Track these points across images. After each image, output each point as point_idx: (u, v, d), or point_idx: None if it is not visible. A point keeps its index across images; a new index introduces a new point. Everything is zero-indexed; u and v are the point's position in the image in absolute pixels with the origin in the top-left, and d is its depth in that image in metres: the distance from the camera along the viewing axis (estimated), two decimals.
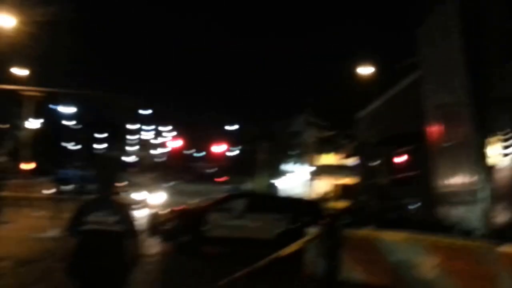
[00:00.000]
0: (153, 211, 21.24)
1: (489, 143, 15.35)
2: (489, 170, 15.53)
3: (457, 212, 17.66)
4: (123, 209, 6.17)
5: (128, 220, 6.05)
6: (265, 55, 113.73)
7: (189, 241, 15.51)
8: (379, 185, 27.27)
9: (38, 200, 32.61)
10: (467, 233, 16.47)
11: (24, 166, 47.30)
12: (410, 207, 22.45)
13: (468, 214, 16.86)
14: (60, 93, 36.89)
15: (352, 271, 12.69)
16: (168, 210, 18.25)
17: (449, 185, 18.17)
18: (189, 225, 15.96)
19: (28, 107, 45.95)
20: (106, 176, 6.42)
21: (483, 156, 15.69)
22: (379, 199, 20.09)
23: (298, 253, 12.63)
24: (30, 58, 41.36)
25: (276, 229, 15.78)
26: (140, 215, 21.39)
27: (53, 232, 16.23)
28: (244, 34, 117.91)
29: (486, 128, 15.73)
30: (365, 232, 13.58)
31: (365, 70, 33.04)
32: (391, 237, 13.01)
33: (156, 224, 16.99)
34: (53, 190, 41.87)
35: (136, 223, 6.19)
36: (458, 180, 17.47)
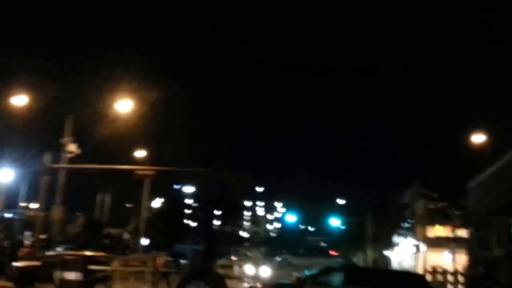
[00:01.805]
0: (249, 284, 20.01)
1: None
2: None
3: None
4: (219, 280, 6.36)
5: None
6: (376, 129, 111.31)
7: None
8: (493, 258, 24.59)
9: (153, 274, 32.31)
10: None
11: (143, 241, 48.07)
12: None
13: None
14: (171, 171, 37.10)
15: None
16: (263, 284, 17.00)
17: None
18: None
19: (147, 187, 47.15)
20: (210, 250, 6.36)
21: None
22: (492, 273, 17.74)
23: None
24: (147, 140, 42.70)
25: None
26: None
27: None
28: (349, 108, 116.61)
29: None
30: None
31: (477, 138, 30.77)
32: None
33: None
34: (165, 264, 41.86)
35: None
36: None
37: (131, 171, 33.77)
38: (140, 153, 43.05)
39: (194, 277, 6.03)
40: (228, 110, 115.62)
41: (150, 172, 33.62)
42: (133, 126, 37.23)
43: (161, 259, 39.61)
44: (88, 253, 25.81)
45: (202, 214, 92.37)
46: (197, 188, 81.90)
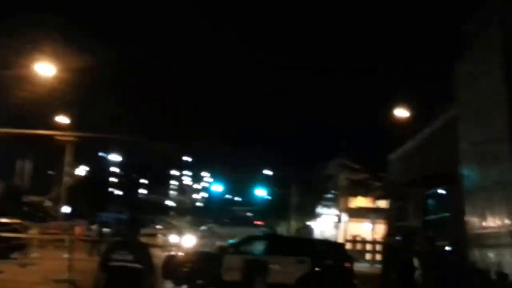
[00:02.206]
0: (171, 253, 19.68)
1: None
2: None
3: (493, 255, 15.86)
4: (143, 249, 6.87)
5: (146, 259, 6.71)
6: (302, 99, 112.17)
7: (205, 285, 13.87)
8: (410, 227, 25.32)
9: (70, 242, 31.48)
10: (503, 277, 14.66)
11: (64, 209, 46.67)
12: (444, 250, 20.60)
13: (504, 258, 15.07)
14: (93, 138, 36.05)
15: None
16: (185, 252, 16.73)
17: (485, 227, 16.38)
18: (205, 268, 14.35)
19: (70, 153, 45.59)
20: (135, 218, 7.36)
21: None
22: (409, 242, 18.19)
23: None
24: (71, 106, 41.22)
25: (297, 272, 14.03)
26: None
27: (72, 275, 14.91)
28: (279, 83, 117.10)
29: None
30: None
31: (400, 113, 31.38)
32: None
33: (172, 266, 15.44)
34: (87, 232, 40.95)
35: (154, 262, 6.87)
36: (494, 221, 15.69)
37: (51, 136, 32.55)
38: (63, 119, 41.53)
39: (118, 246, 6.10)
40: (156, 77, 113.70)
41: (72, 138, 32.45)
42: (57, 91, 35.83)
43: (80, 227, 38.82)
44: (2, 220, 24.81)
45: (128, 182, 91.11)
46: (124, 157, 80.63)
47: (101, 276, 6.68)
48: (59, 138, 31.76)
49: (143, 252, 6.81)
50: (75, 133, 33.87)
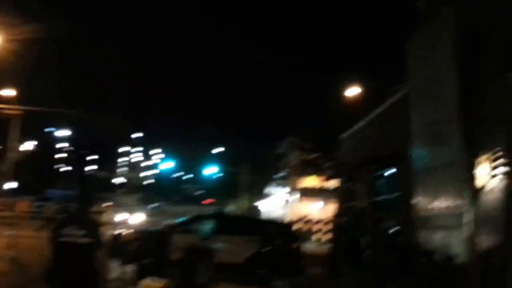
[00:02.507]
0: (117, 231, 19.16)
1: (477, 164, 13.62)
2: (476, 192, 13.81)
3: (439, 237, 15.99)
4: (93, 225, 6.98)
5: (96, 234, 6.85)
6: (253, 79, 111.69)
7: (151, 264, 13.45)
8: (359, 208, 25.44)
9: (15, 218, 30.63)
10: (448, 258, 14.79)
11: (9, 185, 45.32)
12: (390, 230, 20.74)
13: (451, 239, 15.20)
14: (39, 112, 34.87)
15: None
16: (132, 231, 16.27)
17: (432, 208, 16.46)
18: (153, 247, 13.94)
19: (15, 128, 44.08)
20: (85, 195, 7.63)
21: (470, 177, 13.97)
22: (358, 222, 18.22)
23: None
24: (17, 78, 39.65)
25: (246, 252, 13.79)
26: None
27: (16, 252, 14.29)
28: (232, 58, 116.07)
29: (475, 147, 14.06)
30: None
31: (351, 92, 31.41)
32: None
33: (119, 245, 14.98)
34: (32, 209, 39.92)
35: (103, 238, 7.00)
36: (442, 202, 15.76)
37: None
38: (8, 92, 39.97)
39: (68, 222, 6.21)
40: (108, 51, 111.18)
41: (17, 112, 31.25)
42: (3, 63, 34.39)
43: (23, 203, 37.85)
44: None
45: (76, 158, 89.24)
46: (73, 133, 78.84)
47: (51, 251, 6.83)
48: (4, 112, 30.51)
49: (93, 228, 6.92)
50: (20, 107, 32.61)
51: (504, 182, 12.69)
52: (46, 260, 6.82)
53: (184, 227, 14.91)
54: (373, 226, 22.04)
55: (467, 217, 14.14)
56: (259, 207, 56.50)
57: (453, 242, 14.97)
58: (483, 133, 13.86)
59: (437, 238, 16.13)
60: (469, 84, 14.69)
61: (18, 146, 48.73)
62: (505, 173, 12.66)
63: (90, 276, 6.63)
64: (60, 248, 6.70)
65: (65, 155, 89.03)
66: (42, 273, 6.88)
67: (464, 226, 14.31)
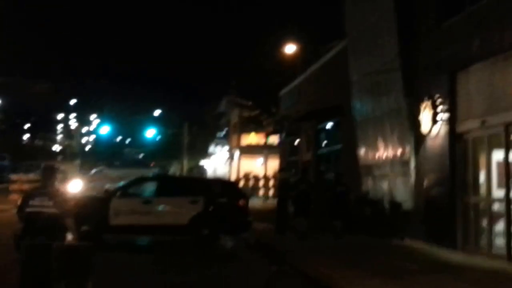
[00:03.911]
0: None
1: (420, 111, 13.49)
2: (420, 139, 13.73)
3: (384, 185, 15.96)
4: (61, 195, 7.55)
5: (63, 204, 7.38)
6: (186, 35, 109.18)
7: (91, 230, 12.73)
8: (301, 162, 25.32)
9: None
10: (396, 206, 14.77)
11: None
12: (334, 182, 20.70)
13: (397, 186, 15.18)
14: None
15: None
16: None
17: (377, 157, 16.38)
18: (91, 213, 13.21)
19: None
20: (50, 166, 8.37)
21: (413, 124, 13.86)
22: (302, 175, 17.99)
23: None
24: None
25: (190, 213, 13.30)
26: None
27: None
28: (162, 16, 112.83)
29: (416, 95, 13.93)
30: None
31: (288, 48, 30.91)
32: None
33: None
34: None
35: (69, 206, 7.62)
36: (386, 151, 15.68)
37: None
38: None
39: (36, 193, 7.31)
40: (41, 12, 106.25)
41: None
42: None
43: None
44: None
45: (9, 127, 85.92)
46: (4, 101, 75.45)
47: (19, 221, 7.40)
48: None
49: (60, 198, 7.42)
50: None
51: (446, 128, 12.63)
52: (15, 230, 7.50)
53: (124, 191, 14.22)
54: (317, 178, 21.97)
55: (412, 164, 14.08)
56: (202, 167, 56.12)
57: (399, 189, 14.95)
58: (424, 81, 13.72)
59: (382, 187, 16.10)
60: (409, 33, 14.48)
61: None
62: (447, 119, 12.59)
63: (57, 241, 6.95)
64: (29, 217, 7.16)
65: None
66: (14, 241, 7.57)
67: (409, 173, 14.27)
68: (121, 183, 15.62)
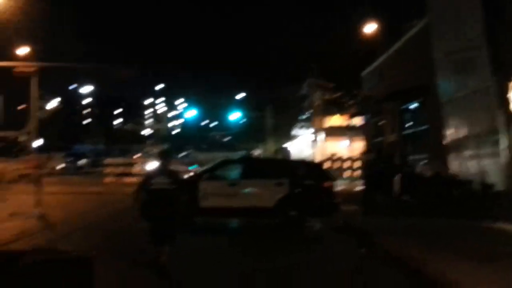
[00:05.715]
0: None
1: (508, 89, 12.97)
2: (509, 118, 13.21)
3: (474, 166, 15.44)
4: (175, 175, 8.93)
5: (178, 182, 8.87)
6: (270, 19, 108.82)
7: (180, 212, 13.11)
8: (387, 142, 24.90)
9: (45, 176, 30.61)
10: (487, 187, 14.25)
11: (36, 143, 45.41)
12: (422, 162, 20.26)
13: (488, 167, 14.63)
14: (56, 67, 34.40)
15: None
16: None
17: (465, 138, 15.88)
18: (181, 195, 13.58)
19: (35, 85, 43.99)
20: (167, 150, 10.69)
21: (502, 102, 13.33)
22: (387, 157, 17.72)
23: None
24: (33, 36, 39.15)
25: (276, 195, 13.41)
26: None
27: (42, 209, 14.04)
28: (249, 7, 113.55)
29: (504, 72, 13.38)
30: None
31: (369, 28, 30.39)
32: None
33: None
34: (62, 165, 40.11)
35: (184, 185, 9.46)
36: (474, 131, 15.16)
37: (11, 68, 30.92)
38: (23, 50, 39.47)
39: (157, 173, 8.72)
40: (123, 4, 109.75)
41: (32, 69, 30.64)
42: (17, 21, 33.97)
43: (54, 160, 37.96)
44: None
45: (102, 113, 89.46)
46: (96, 88, 78.56)
47: (142, 195, 8.66)
48: (20, 69, 30.05)
49: (176, 177, 8.80)
50: (34, 63, 32.14)
51: None
52: (139, 202, 8.68)
53: (211, 173, 14.48)
54: (403, 159, 21.57)
55: (503, 143, 13.59)
56: (287, 149, 56.14)
57: (490, 170, 14.45)
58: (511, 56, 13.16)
59: (470, 167, 15.63)
60: (494, 6, 13.92)
61: (39, 104, 48.55)
62: None
63: (177, 213, 8.74)
64: (153, 193, 8.50)
65: (89, 110, 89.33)
66: (139, 212, 8.69)
67: (500, 153, 13.77)
68: (208, 166, 15.84)
